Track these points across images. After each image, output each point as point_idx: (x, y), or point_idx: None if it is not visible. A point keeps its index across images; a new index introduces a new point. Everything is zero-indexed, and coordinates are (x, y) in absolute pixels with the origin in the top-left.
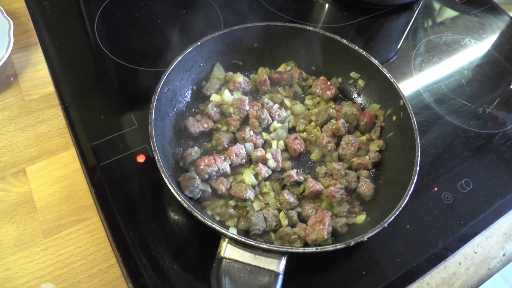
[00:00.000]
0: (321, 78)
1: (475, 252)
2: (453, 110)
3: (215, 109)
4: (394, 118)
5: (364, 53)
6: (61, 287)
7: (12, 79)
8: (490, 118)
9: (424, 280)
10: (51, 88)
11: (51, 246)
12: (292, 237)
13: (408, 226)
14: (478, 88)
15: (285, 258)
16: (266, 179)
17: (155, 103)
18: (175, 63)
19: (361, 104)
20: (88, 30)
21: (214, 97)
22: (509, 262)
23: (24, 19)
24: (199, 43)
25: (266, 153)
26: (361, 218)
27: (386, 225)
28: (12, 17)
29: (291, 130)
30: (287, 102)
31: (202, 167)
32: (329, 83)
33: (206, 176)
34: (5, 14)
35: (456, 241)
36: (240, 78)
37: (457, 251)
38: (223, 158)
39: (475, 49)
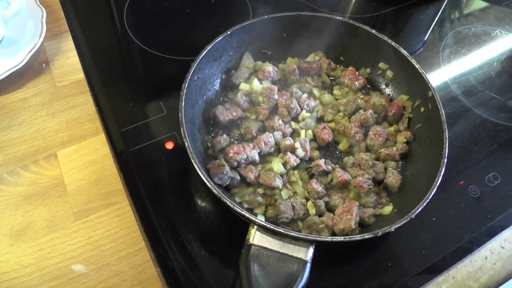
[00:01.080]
0: (350, 68)
1: (503, 247)
2: (482, 103)
3: (244, 97)
4: (422, 109)
5: (393, 43)
6: (91, 269)
7: (44, 65)
8: None
9: (450, 274)
10: (81, 74)
11: (82, 229)
12: (320, 226)
13: (434, 219)
14: (508, 80)
15: (313, 246)
16: (294, 168)
17: (185, 90)
18: (205, 52)
19: (389, 95)
20: (116, 19)
21: (243, 86)
22: None
23: (56, 8)
24: (229, 32)
25: (294, 142)
26: (388, 209)
27: (413, 216)
28: (45, 6)
29: (320, 119)
30: (315, 91)
31: (231, 154)
32: (357, 73)
33: (235, 163)
34: (38, 2)
35: (482, 235)
36: (269, 67)
37: (483, 245)
38: (252, 146)
39: (506, 41)
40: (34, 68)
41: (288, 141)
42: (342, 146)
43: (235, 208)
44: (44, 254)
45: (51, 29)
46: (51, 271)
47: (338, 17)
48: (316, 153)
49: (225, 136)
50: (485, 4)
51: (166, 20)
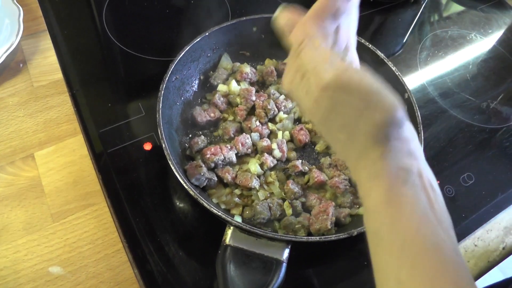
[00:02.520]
0: None
1: (476, 245)
2: (457, 105)
3: (222, 99)
4: None
5: (370, 46)
6: (68, 271)
7: (21, 65)
8: (494, 113)
9: None
10: (59, 74)
11: (59, 230)
12: (296, 226)
13: None
14: (483, 83)
15: (289, 247)
16: (271, 169)
17: (163, 91)
18: (183, 53)
19: None
20: (96, 19)
21: (221, 87)
22: (509, 256)
23: (33, 6)
24: (207, 33)
25: (271, 143)
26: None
27: None
28: (22, 4)
29: (297, 121)
30: None
31: (208, 155)
32: None
33: (212, 164)
34: (14, 1)
35: (457, 234)
36: (247, 68)
37: (458, 243)
38: (229, 147)
39: (481, 44)
40: (11, 67)
41: (265, 142)
42: (319, 147)
43: (212, 209)
44: (20, 257)
45: (28, 28)
46: (27, 273)
47: None
48: (293, 154)
49: (202, 137)
50: (461, 8)
51: (145, 20)
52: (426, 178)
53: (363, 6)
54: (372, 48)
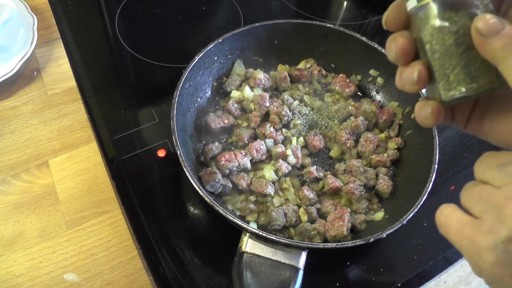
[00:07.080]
0: (341, 75)
1: None
2: None
3: (235, 105)
4: (412, 116)
5: (383, 50)
6: (83, 278)
7: (35, 73)
8: None
9: (441, 278)
10: (73, 82)
11: (74, 238)
12: (312, 233)
13: (425, 224)
14: None
15: (305, 253)
16: (286, 175)
17: (177, 98)
18: (197, 59)
19: (380, 101)
20: (108, 26)
21: (235, 93)
22: None
23: (47, 15)
24: (220, 40)
25: (286, 149)
26: (379, 215)
27: (405, 222)
28: (36, 13)
29: (311, 126)
30: (306, 98)
31: (223, 162)
32: (348, 80)
33: (227, 171)
34: (29, 9)
35: None
36: (260, 74)
37: None
38: (243, 154)
39: None
40: (25, 75)
41: (280, 148)
42: (334, 152)
43: (228, 216)
44: (35, 264)
45: (42, 36)
46: (43, 280)
47: (328, 25)
48: (307, 160)
49: (216, 143)
50: None
51: (158, 27)
52: None
53: (374, 10)
54: (385, 53)
